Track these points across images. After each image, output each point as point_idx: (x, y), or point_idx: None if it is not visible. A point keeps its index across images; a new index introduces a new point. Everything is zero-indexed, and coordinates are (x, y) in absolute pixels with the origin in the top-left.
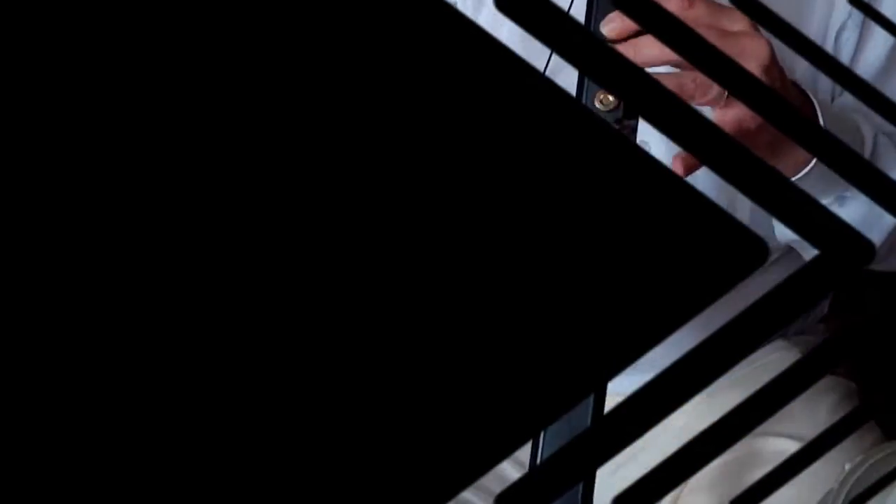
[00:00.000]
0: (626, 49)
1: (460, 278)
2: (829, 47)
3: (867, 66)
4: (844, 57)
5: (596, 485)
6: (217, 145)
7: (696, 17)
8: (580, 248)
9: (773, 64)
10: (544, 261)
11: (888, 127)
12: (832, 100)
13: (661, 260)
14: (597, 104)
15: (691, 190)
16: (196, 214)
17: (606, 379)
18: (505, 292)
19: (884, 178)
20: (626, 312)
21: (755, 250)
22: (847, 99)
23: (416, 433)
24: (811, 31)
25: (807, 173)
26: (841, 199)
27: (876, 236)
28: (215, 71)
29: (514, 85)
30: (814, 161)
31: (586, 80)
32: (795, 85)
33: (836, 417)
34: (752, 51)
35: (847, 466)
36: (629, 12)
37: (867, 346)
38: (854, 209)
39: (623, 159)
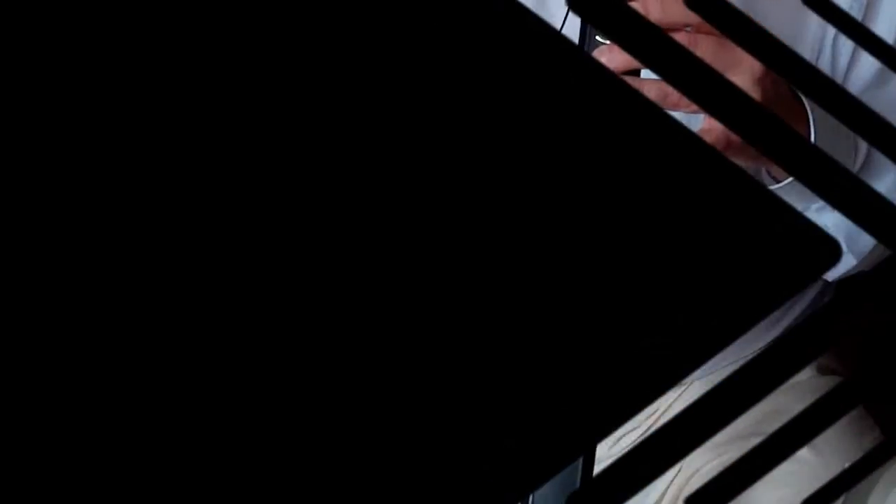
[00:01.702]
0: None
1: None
2: (825, 54)
3: (863, 72)
4: (841, 63)
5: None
6: (232, 144)
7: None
8: (635, 252)
9: (765, 76)
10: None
11: None
12: None
13: (725, 259)
14: (598, 38)
15: (758, 186)
16: (213, 214)
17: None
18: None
19: (862, 197)
20: (682, 320)
21: (827, 249)
22: None
23: (406, 486)
24: (808, 37)
25: (793, 180)
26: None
27: (863, 243)
28: (228, 68)
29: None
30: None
31: (588, 30)
32: (792, 90)
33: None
34: (746, 62)
35: (847, 466)
36: (608, 31)
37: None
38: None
39: (682, 152)
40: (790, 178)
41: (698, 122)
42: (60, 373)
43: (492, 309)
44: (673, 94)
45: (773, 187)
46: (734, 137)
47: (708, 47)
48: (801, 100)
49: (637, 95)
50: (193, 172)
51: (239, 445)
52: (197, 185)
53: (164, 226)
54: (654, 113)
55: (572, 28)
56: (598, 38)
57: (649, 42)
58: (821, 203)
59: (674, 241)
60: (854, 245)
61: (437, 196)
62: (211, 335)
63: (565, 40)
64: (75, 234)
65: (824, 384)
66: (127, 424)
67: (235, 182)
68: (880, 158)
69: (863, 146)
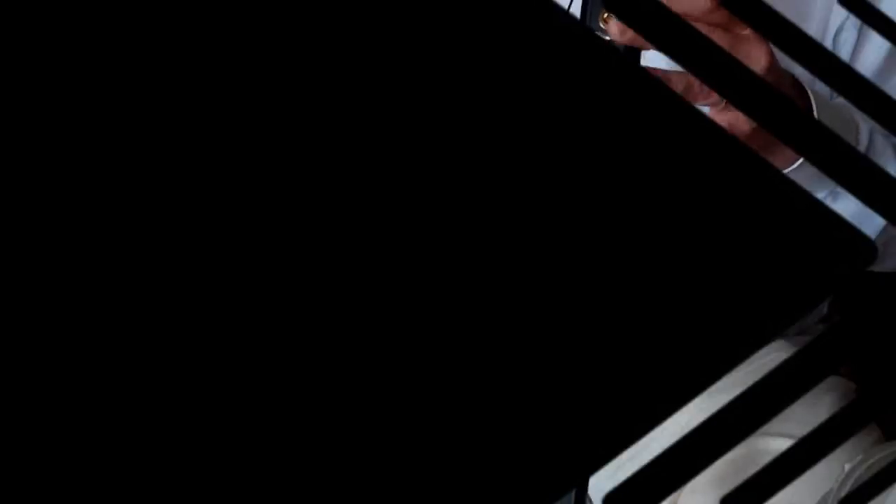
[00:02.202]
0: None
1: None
2: (827, 48)
3: (865, 67)
4: (842, 58)
5: (598, 488)
6: (236, 142)
7: (718, 18)
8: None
9: (769, 71)
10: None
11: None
12: (831, 96)
13: (754, 261)
14: (601, 24)
15: (786, 181)
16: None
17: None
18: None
19: (875, 177)
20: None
21: (861, 248)
22: None
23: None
24: (810, 31)
25: (797, 168)
26: (834, 195)
27: (869, 230)
28: (233, 65)
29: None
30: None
31: (590, 9)
32: (795, 81)
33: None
34: (752, 56)
35: (847, 466)
36: (622, 15)
37: (866, 345)
38: (844, 206)
39: (716, 151)
40: (791, 168)
41: None
42: (60, 372)
43: (493, 322)
44: (696, 87)
45: None
46: (738, 130)
47: (723, 42)
48: (804, 90)
49: (668, 92)
50: (194, 172)
51: (241, 447)
52: (198, 185)
53: (164, 226)
54: (685, 109)
55: (574, 7)
56: (600, 23)
57: (675, 33)
58: (824, 194)
59: (703, 247)
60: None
61: (448, 192)
62: (218, 335)
63: (588, 31)
64: (74, 235)
65: (826, 384)
66: (126, 424)
67: (239, 180)
68: (881, 150)
69: (864, 137)
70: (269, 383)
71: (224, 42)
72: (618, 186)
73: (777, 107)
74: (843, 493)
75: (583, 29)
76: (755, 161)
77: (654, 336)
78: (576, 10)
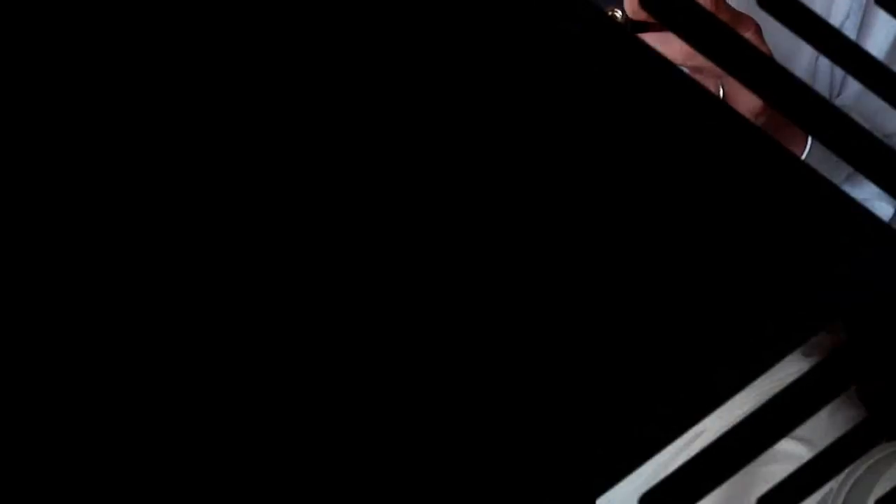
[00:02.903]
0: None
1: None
2: (824, 59)
3: None
4: (839, 71)
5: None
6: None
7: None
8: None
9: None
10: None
11: (888, 129)
12: (831, 97)
13: (777, 260)
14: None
15: (809, 169)
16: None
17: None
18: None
19: (892, 162)
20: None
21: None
22: (845, 99)
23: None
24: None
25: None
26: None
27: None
28: (233, 68)
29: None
30: (803, 155)
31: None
32: None
33: (836, 417)
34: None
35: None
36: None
37: (878, 361)
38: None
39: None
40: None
41: None
42: (62, 373)
43: (506, 336)
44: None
45: None
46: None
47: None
48: None
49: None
50: (196, 173)
51: (244, 447)
52: (200, 186)
53: (165, 227)
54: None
55: None
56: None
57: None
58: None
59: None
60: None
61: (457, 193)
62: (220, 336)
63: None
64: (77, 236)
65: None
66: (128, 425)
67: (240, 181)
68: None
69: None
70: (271, 384)
71: (225, 43)
72: (634, 174)
73: (794, 92)
74: (843, 493)
75: (598, 13)
76: (776, 148)
77: (681, 339)
78: None
